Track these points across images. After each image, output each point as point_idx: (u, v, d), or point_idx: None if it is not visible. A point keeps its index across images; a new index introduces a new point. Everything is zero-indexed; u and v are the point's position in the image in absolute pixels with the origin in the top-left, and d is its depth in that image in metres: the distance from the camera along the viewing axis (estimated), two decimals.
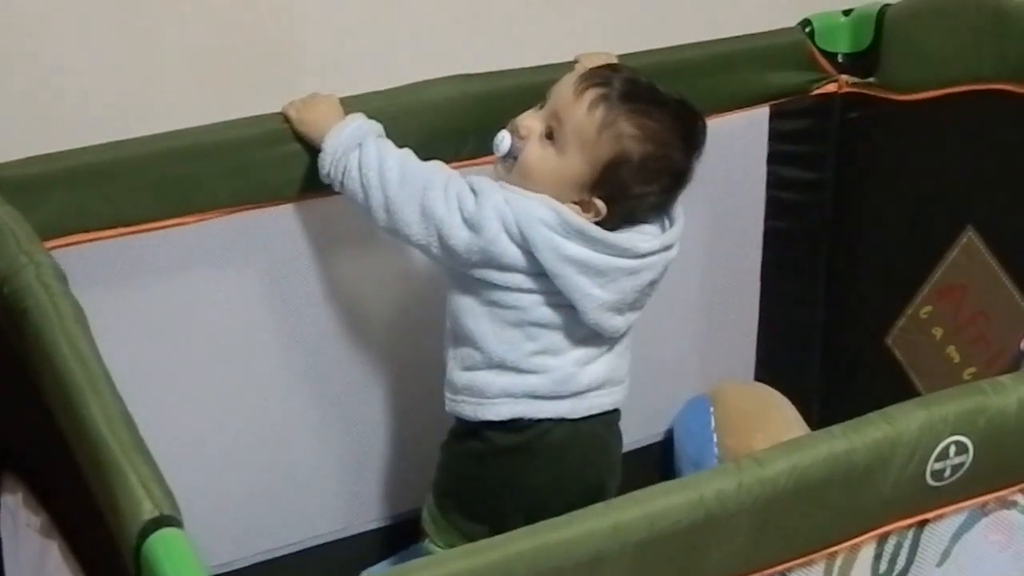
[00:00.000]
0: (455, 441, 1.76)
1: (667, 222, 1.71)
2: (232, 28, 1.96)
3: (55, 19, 1.85)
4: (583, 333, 1.69)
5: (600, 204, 1.64)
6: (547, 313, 1.67)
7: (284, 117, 1.74)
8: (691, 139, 1.68)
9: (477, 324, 1.68)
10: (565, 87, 1.67)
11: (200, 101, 1.89)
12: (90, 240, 1.68)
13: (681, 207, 1.72)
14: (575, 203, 1.65)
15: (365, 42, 2.04)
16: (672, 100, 1.68)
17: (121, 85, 1.91)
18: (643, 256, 1.66)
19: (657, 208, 1.69)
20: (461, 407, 1.71)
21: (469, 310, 1.68)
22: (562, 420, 1.70)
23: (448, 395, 1.73)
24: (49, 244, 1.51)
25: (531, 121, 1.67)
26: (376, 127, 1.71)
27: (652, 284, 1.70)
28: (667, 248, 1.69)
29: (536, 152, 1.66)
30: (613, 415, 1.76)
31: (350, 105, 1.73)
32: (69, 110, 1.87)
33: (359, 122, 1.70)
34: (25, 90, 1.86)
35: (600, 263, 1.63)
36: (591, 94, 1.64)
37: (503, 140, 1.68)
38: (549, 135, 1.66)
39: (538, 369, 1.68)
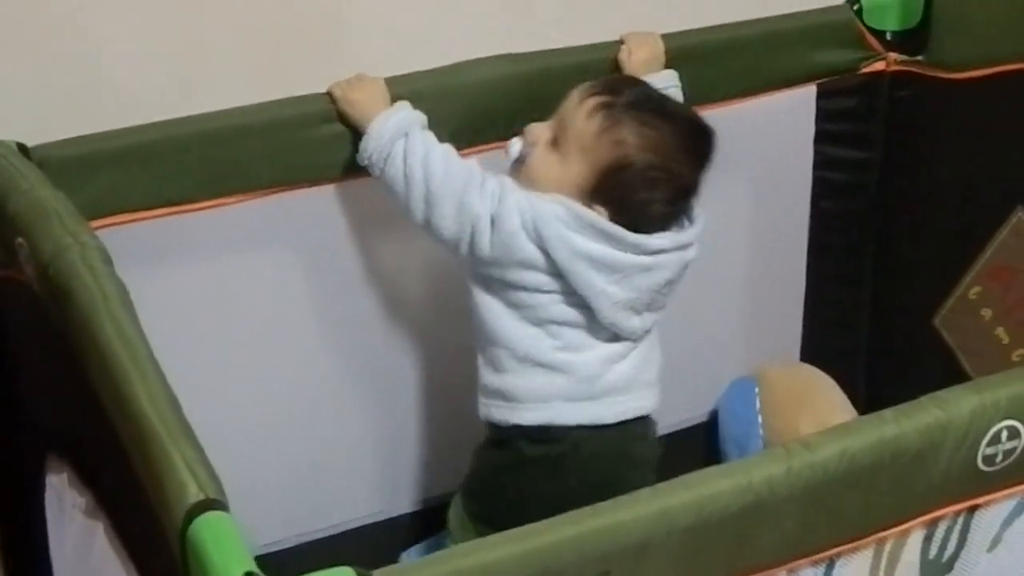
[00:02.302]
0: (486, 449, 1.76)
1: (685, 222, 1.70)
2: (278, 8, 1.95)
3: (101, 1, 1.85)
4: (605, 333, 1.69)
5: (602, 210, 1.65)
6: (566, 311, 1.67)
7: (328, 97, 1.74)
8: (696, 151, 1.68)
9: (500, 322, 1.68)
10: (572, 96, 1.69)
11: (245, 81, 1.89)
12: (134, 220, 1.68)
13: (701, 210, 1.71)
14: None
15: (411, 22, 2.03)
16: (680, 114, 1.69)
17: (166, 65, 1.90)
18: (656, 253, 1.66)
19: (664, 219, 1.68)
20: (492, 411, 1.72)
21: (491, 309, 1.69)
22: (593, 428, 1.69)
23: (481, 400, 1.74)
24: (93, 224, 1.50)
25: (539, 128, 1.69)
26: (421, 118, 1.71)
27: (669, 284, 1.70)
28: (683, 247, 1.68)
29: (541, 158, 1.67)
30: (646, 423, 1.75)
31: (395, 85, 1.73)
32: (114, 91, 1.87)
33: (406, 112, 1.70)
34: (70, 70, 1.85)
35: (612, 259, 1.64)
36: (592, 101, 1.66)
37: (512, 145, 1.70)
38: (554, 142, 1.67)
39: (564, 367, 1.68)
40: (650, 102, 1.68)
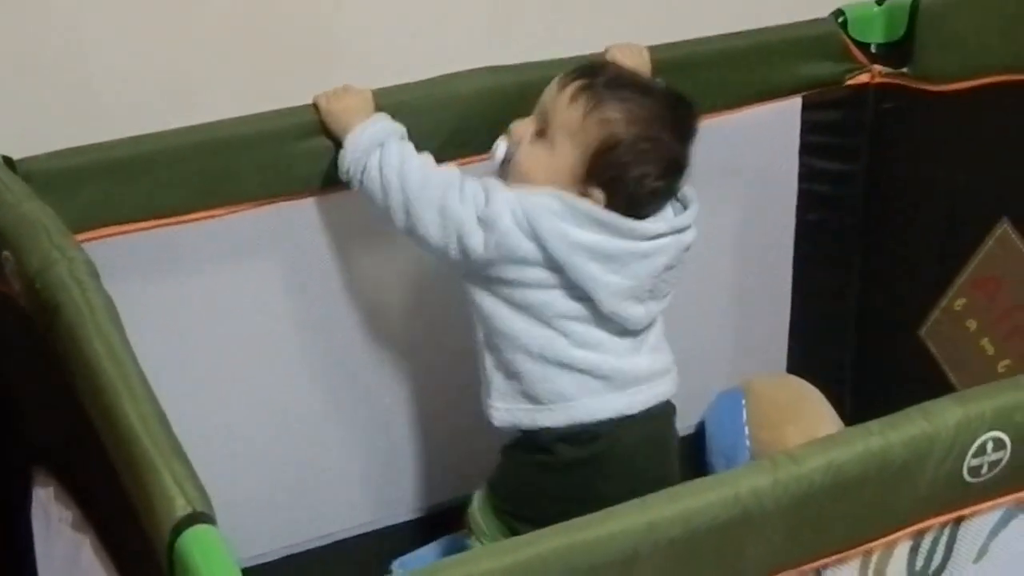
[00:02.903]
0: (518, 451, 1.73)
1: (680, 206, 1.70)
2: (268, 22, 1.95)
3: (89, 12, 1.85)
4: (614, 326, 1.68)
5: (598, 193, 1.64)
6: (571, 306, 1.66)
7: (314, 108, 1.74)
8: (679, 124, 1.68)
9: (509, 326, 1.67)
10: (551, 86, 1.69)
11: (234, 94, 1.89)
12: (121, 233, 1.68)
13: (694, 192, 1.71)
14: None
15: (398, 35, 2.04)
16: (659, 89, 1.69)
17: (155, 79, 1.90)
18: (653, 238, 1.65)
19: (658, 195, 1.67)
20: (518, 416, 1.70)
21: (497, 314, 1.68)
22: (623, 421, 1.68)
23: (500, 406, 1.71)
24: (80, 237, 1.51)
25: (522, 125, 1.69)
26: (399, 129, 1.71)
27: (669, 270, 1.69)
28: (679, 231, 1.68)
29: (529, 152, 1.67)
30: (669, 409, 1.75)
31: (382, 97, 1.73)
32: (101, 103, 1.87)
33: (382, 123, 1.70)
34: (57, 83, 1.86)
35: (610, 247, 1.63)
36: (573, 86, 1.66)
37: (498, 147, 1.70)
38: (540, 133, 1.67)
39: (582, 366, 1.67)
40: (628, 79, 1.69)
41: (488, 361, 1.71)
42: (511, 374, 1.69)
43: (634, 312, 1.68)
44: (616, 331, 1.69)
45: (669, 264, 1.68)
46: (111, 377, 1.23)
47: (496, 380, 1.71)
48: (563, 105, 1.65)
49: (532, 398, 1.68)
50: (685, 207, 1.70)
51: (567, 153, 1.65)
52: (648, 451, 1.71)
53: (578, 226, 1.62)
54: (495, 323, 1.68)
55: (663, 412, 1.74)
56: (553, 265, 1.64)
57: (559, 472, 1.70)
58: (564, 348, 1.67)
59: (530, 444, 1.72)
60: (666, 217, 1.69)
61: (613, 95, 1.65)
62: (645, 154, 1.64)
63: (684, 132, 1.68)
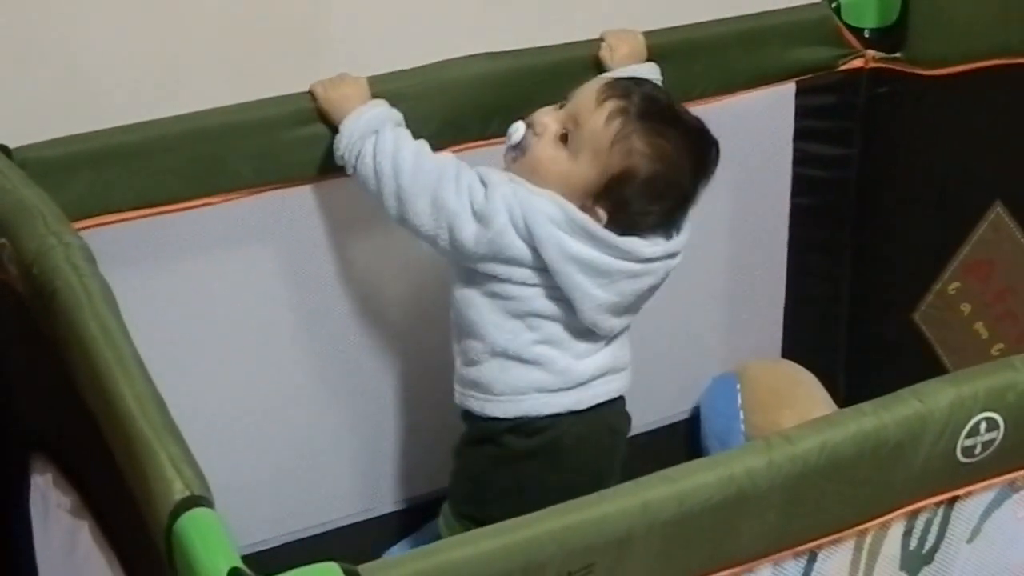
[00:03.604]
0: (469, 447, 1.76)
1: (673, 232, 1.70)
2: (261, 7, 1.95)
3: (83, 1, 1.85)
4: (582, 328, 1.69)
5: (602, 213, 1.65)
6: (547, 305, 1.67)
7: (310, 96, 1.74)
8: (702, 164, 1.68)
9: (479, 315, 1.68)
10: (587, 93, 1.67)
11: (228, 81, 1.89)
12: (117, 221, 1.68)
13: (688, 219, 1.71)
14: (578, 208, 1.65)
15: (392, 21, 2.04)
16: (689, 123, 1.69)
17: (148, 66, 1.90)
18: (646, 261, 1.66)
19: (659, 227, 1.68)
20: (469, 401, 1.72)
21: (471, 302, 1.69)
22: (571, 415, 1.70)
23: (457, 388, 1.74)
24: (76, 225, 1.50)
25: (548, 119, 1.68)
26: (396, 116, 1.71)
27: (651, 289, 1.70)
28: (671, 256, 1.69)
29: (548, 151, 1.66)
30: (619, 402, 1.77)
31: (377, 84, 1.73)
32: (96, 91, 1.87)
33: (379, 109, 1.70)
34: (52, 72, 1.85)
35: (602, 264, 1.64)
36: (611, 104, 1.65)
37: (517, 131, 1.68)
38: (564, 137, 1.66)
39: (540, 360, 1.69)
40: (662, 109, 1.67)
41: (454, 346, 1.74)
42: (469, 362, 1.71)
43: (610, 324, 1.69)
44: (583, 333, 1.70)
45: (654, 285, 1.70)
46: (108, 361, 1.23)
47: (457, 364, 1.73)
48: (596, 123, 1.64)
49: (484, 388, 1.70)
50: (678, 232, 1.70)
51: (586, 169, 1.64)
52: (597, 443, 1.73)
53: (575, 238, 1.63)
54: (467, 312, 1.69)
55: (613, 407, 1.75)
56: (540, 266, 1.64)
57: (509, 465, 1.71)
58: (527, 343, 1.68)
59: (479, 436, 1.73)
60: (659, 241, 1.68)
61: (645, 126, 1.64)
62: (659, 193, 1.65)
63: (703, 171, 1.68)
